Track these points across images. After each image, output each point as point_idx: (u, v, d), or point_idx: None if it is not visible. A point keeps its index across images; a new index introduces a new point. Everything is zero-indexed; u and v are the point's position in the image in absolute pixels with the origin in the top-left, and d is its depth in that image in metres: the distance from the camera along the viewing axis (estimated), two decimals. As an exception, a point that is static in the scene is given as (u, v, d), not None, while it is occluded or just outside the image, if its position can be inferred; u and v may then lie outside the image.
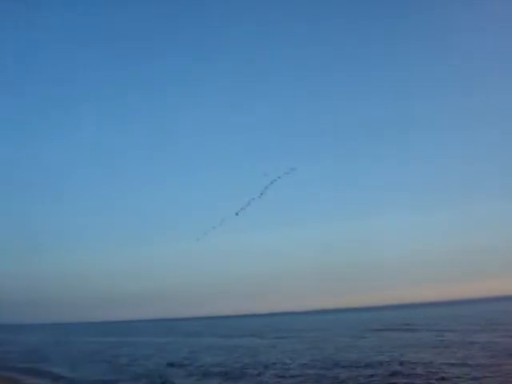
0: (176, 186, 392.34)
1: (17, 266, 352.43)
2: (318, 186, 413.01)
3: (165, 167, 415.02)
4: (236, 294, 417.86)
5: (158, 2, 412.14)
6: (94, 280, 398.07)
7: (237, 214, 36.14)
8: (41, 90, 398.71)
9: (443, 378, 22.84)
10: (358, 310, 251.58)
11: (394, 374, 24.87)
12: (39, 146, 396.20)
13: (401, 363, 28.10)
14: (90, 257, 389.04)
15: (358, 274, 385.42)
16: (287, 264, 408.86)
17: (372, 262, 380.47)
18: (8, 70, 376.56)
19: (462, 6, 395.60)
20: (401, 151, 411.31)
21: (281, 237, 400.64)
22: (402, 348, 36.19)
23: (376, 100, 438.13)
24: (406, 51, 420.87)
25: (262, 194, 34.40)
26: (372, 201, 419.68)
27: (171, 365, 35.29)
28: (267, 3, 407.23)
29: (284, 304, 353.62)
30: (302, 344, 46.37)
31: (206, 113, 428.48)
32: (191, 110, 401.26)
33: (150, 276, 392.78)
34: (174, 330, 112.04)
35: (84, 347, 62.53)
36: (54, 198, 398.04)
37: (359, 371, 26.32)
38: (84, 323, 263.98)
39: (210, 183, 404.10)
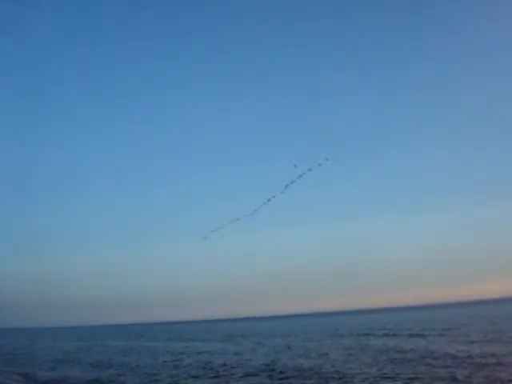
0: (176, 187, 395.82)
1: (16, 267, 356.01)
2: (317, 186, 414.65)
3: (164, 167, 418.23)
4: (235, 295, 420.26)
5: (158, 2, 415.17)
6: (95, 281, 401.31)
7: (253, 212, 36.81)
8: (41, 90, 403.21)
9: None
10: (357, 313, 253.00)
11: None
12: (39, 146, 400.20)
13: (335, 369, 31.09)
14: (90, 257, 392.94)
15: (357, 275, 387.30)
16: (287, 264, 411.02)
17: (372, 263, 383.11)
18: (8, 70, 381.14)
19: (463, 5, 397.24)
20: (401, 151, 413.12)
21: (280, 237, 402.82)
22: (354, 353, 39.22)
23: (376, 100, 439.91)
24: (406, 51, 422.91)
25: (286, 187, 35.42)
26: (372, 201, 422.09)
27: (140, 368, 38.22)
28: (267, 3, 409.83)
29: (283, 306, 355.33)
30: (271, 349, 49.16)
31: (206, 113, 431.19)
32: (191, 110, 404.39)
33: (150, 278, 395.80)
34: (165, 333, 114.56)
35: (71, 349, 65.43)
36: (53, 197, 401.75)
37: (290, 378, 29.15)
38: (83, 326, 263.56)
39: (210, 183, 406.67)
